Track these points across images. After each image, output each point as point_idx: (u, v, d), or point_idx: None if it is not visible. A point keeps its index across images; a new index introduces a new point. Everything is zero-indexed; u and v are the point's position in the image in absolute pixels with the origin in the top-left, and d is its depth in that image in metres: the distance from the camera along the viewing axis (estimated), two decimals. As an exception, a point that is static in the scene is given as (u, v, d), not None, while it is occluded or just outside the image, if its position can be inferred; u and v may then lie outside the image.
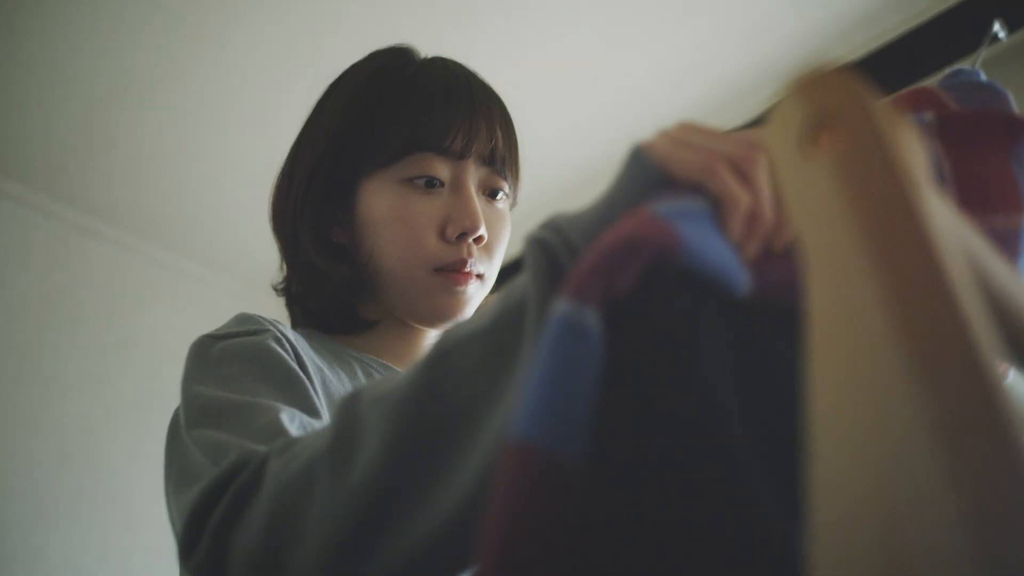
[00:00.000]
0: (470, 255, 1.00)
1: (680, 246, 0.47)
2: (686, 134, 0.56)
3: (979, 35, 2.44)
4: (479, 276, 1.02)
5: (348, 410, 0.62)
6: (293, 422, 0.75)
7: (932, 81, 0.74)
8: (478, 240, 1.01)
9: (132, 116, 2.75)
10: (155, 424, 2.82)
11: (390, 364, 1.05)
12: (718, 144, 0.54)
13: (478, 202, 1.01)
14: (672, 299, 0.50)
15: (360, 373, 0.99)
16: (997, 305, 0.47)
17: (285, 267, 1.08)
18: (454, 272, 0.99)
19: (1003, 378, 0.36)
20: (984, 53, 0.94)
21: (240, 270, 3.38)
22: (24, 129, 2.76)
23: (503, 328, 0.56)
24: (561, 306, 0.46)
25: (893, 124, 0.40)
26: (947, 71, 0.76)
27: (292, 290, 1.07)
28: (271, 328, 0.90)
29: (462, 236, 1.00)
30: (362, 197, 1.02)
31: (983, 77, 0.74)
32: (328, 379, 0.93)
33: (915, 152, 0.41)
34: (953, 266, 0.37)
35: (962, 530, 0.32)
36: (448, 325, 1.03)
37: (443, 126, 0.99)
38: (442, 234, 1.00)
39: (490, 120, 1.03)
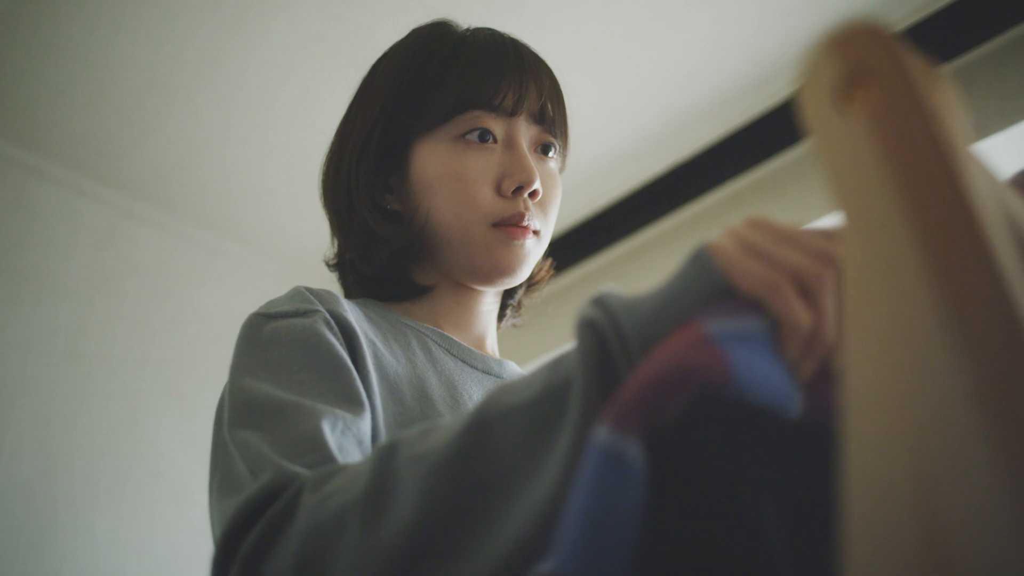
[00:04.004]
0: (527, 209, 1.00)
1: (731, 376, 0.46)
2: (755, 236, 0.54)
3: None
4: (535, 232, 1.02)
5: (385, 461, 0.63)
6: (335, 429, 0.76)
7: (1018, 174, 0.69)
8: (533, 195, 1.01)
9: (174, 101, 2.77)
10: (199, 403, 2.87)
11: (447, 332, 1.05)
12: (787, 255, 0.52)
13: (531, 158, 1.02)
14: (719, 431, 0.49)
15: (415, 344, 0.99)
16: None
17: (337, 240, 1.08)
18: (512, 226, 1.00)
19: None
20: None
21: (283, 251, 3.40)
22: (69, 115, 2.79)
23: (545, 407, 0.56)
24: (603, 434, 0.45)
25: (928, 79, 0.39)
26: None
27: (346, 258, 1.08)
28: (321, 309, 0.91)
29: (518, 190, 1.00)
30: (415, 160, 1.02)
31: None
32: (380, 353, 0.93)
33: (951, 107, 0.40)
34: (991, 222, 0.37)
35: (1001, 498, 0.31)
36: (507, 281, 1.04)
37: (493, 84, 1.00)
38: (498, 189, 1.00)
39: (539, 79, 1.04)
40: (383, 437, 0.84)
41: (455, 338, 1.05)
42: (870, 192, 0.38)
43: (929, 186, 0.37)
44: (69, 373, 2.81)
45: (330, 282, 1.13)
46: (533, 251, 1.03)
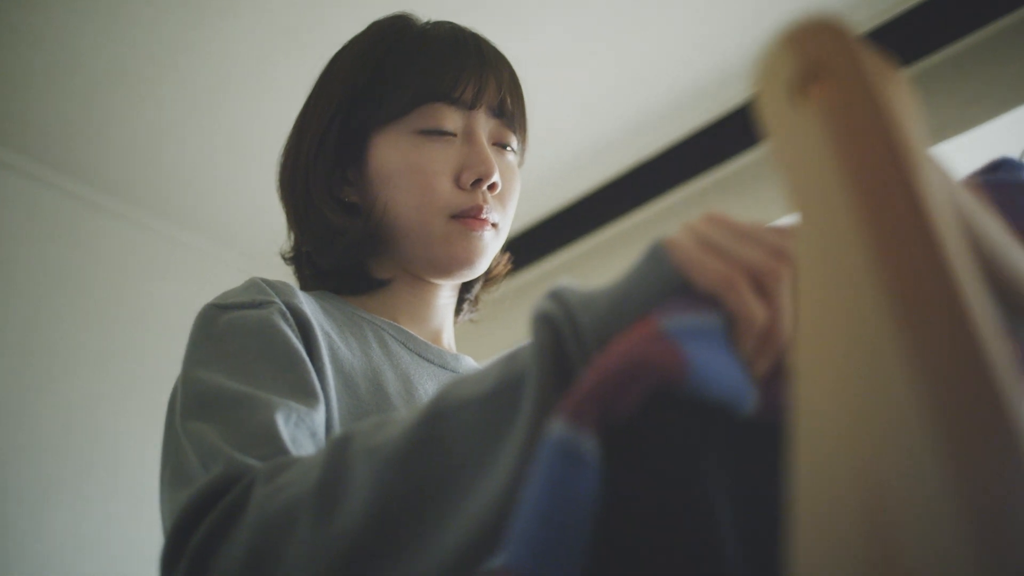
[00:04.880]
0: (485, 201, 1.00)
1: (687, 372, 0.46)
2: (712, 232, 0.54)
3: (986, 8, 2.41)
4: (494, 225, 1.02)
5: (338, 454, 0.62)
6: (289, 421, 0.76)
7: (975, 175, 0.67)
8: (492, 188, 1.01)
9: (138, 90, 2.73)
10: (159, 399, 2.81)
11: (403, 326, 1.05)
12: (743, 251, 0.52)
13: (490, 151, 1.02)
14: (674, 426, 0.48)
15: (371, 337, 0.99)
16: (987, 259, 0.46)
17: (293, 233, 1.08)
18: (470, 218, 1.00)
19: (997, 339, 0.35)
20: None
21: (246, 245, 3.37)
22: (30, 103, 2.74)
23: (500, 400, 0.56)
24: (558, 428, 0.45)
25: (883, 76, 0.39)
26: (993, 160, 0.69)
27: (302, 251, 1.07)
28: (277, 300, 0.90)
29: (477, 183, 1.00)
30: (374, 152, 1.02)
31: None
32: (336, 345, 0.92)
33: (905, 104, 0.40)
34: (943, 219, 0.36)
35: (952, 506, 0.31)
36: (465, 274, 1.04)
37: (453, 77, 1.00)
38: (456, 181, 1.00)
39: (498, 73, 1.04)
40: (337, 430, 0.84)
41: (412, 332, 1.04)
42: (823, 188, 0.38)
43: (881, 182, 0.37)
44: (25, 366, 2.77)
45: (291, 276, 1.12)
46: (491, 244, 1.03)
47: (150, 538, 2.70)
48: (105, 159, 2.97)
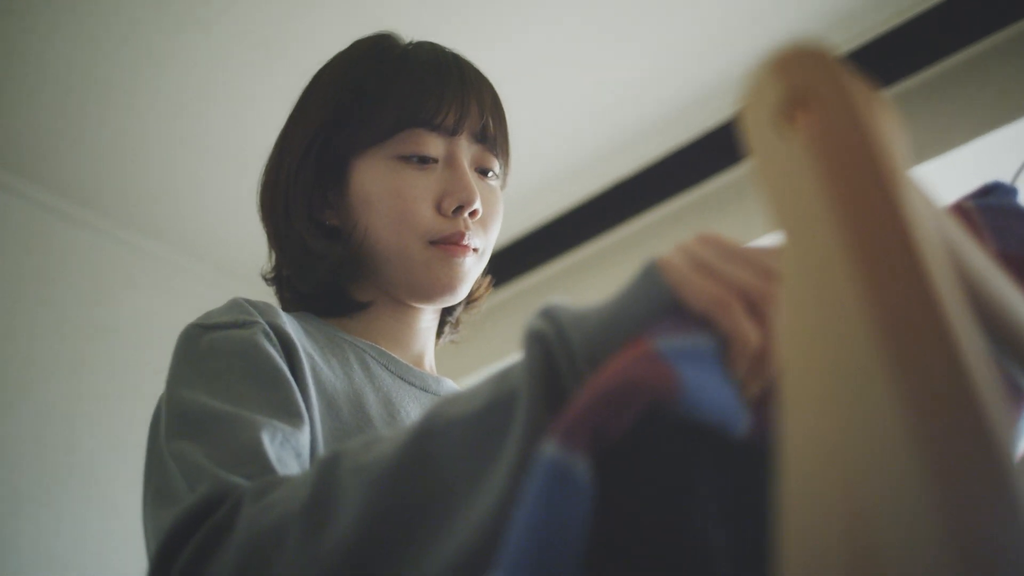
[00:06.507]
0: (467, 228, 0.99)
1: (679, 393, 0.46)
2: (705, 253, 0.54)
3: (964, 31, 2.43)
4: (475, 250, 1.02)
5: (327, 472, 0.62)
6: (275, 440, 0.75)
7: (967, 199, 0.67)
8: (473, 214, 1.00)
9: (113, 102, 2.71)
10: (133, 411, 2.81)
11: (385, 349, 1.04)
12: (736, 272, 0.52)
13: (472, 177, 1.01)
14: (667, 447, 0.48)
15: (353, 359, 0.98)
16: (971, 286, 0.46)
17: (274, 254, 1.07)
18: (452, 244, 0.99)
19: (983, 365, 0.35)
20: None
21: (219, 259, 3.35)
22: (1, 112, 2.72)
23: (491, 419, 0.56)
24: (550, 449, 0.45)
25: (869, 103, 0.40)
26: (985, 184, 0.69)
27: (283, 274, 1.06)
28: (260, 320, 0.89)
29: (458, 209, 0.99)
30: (355, 176, 1.01)
31: (1021, 199, 0.69)
32: (318, 367, 0.92)
33: (892, 131, 0.40)
34: (929, 247, 0.37)
35: (935, 528, 0.31)
36: (446, 299, 1.03)
37: (435, 102, 0.99)
38: (438, 208, 0.99)
39: (481, 98, 1.03)
40: (320, 452, 0.83)
41: (393, 355, 1.04)
42: (810, 213, 0.38)
43: (868, 210, 0.37)
44: (-5, 378, 2.74)
45: (265, 289, 1.11)
46: (473, 269, 1.03)
47: (122, 555, 2.68)
48: (78, 170, 2.95)
